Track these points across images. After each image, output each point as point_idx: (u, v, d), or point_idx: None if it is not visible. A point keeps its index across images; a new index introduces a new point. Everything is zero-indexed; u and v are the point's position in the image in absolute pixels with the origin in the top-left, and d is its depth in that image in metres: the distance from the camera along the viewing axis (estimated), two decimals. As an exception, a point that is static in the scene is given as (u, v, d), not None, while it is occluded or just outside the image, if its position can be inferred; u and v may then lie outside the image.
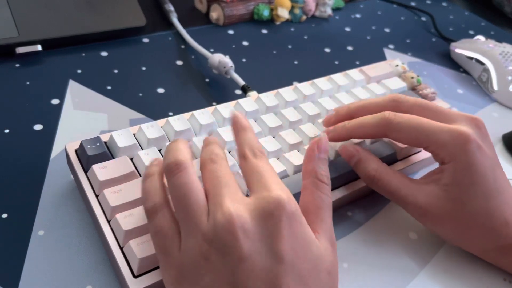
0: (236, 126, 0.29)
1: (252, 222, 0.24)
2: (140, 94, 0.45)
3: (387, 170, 0.34)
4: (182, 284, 0.24)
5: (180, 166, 0.26)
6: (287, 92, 0.41)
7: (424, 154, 0.40)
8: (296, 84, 0.42)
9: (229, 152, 0.35)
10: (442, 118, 0.33)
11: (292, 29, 0.61)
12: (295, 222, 0.24)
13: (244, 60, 0.53)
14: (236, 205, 0.24)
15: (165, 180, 0.28)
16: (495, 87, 0.54)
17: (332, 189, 0.35)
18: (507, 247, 0.32)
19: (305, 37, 0.59)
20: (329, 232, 0.27)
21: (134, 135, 0.34)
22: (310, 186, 0.28)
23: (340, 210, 0.37)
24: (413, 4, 0.74)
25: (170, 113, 0.43)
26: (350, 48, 0.59)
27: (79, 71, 0.46)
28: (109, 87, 0.45)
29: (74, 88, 0.44)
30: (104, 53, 0.49)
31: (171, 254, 0.25)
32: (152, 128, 0.35)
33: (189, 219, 0.25)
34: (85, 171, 0.32)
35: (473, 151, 0.31)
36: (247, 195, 0.26)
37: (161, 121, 0.36)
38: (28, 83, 0.43)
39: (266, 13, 0.59)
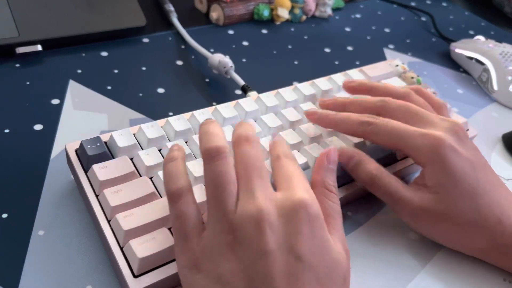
0: (274, 139, 0.31)
1: (278, 219, 0.25)
2: (140, 94, 0.45)
3: (386, 171, 0.34)
4: (200, 269, 0.25)
5: (222, 153, 0.26)
6: (287, 92, 0.41)
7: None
8: (296, 84, 0.43)
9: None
10: (423, 121, 0.34)
11: (292, 29, 0.61)
12: (316, 224, 0.25)
13: (244, 60, 0.53)
14: (266, 201, 0.25)
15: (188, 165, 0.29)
16: (495, 87, 0.54)
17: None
18: (505, 246, 0.32)
19: (305, 37, 0.59)
20: (341, 239, 0.28)
21: (134, 135, 0.34)
22: (320, 195, 0.29)
23: (340, 210, 0.37)
24: (413, 4, 0.74)
25: (170, 113, 0.43)
26: (350, 48, 0.59)
27: (79, 71, 0.46)
28: (109, 87, 0.45)
29: (74, 88, 0.44)
30: (104, 53, 0.49)
31: (191, 239, 0.25)
32: (152, 128, 0.35)
33: (220, 206, 0.25)
34: (85, 171, 0.32)
35: (446, 154, 0.31)
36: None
37: (161, 121, 0.36)
38: (28, 83, 0.43)
39: (266, 13, 0.59)
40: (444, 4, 0.77)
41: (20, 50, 0.45)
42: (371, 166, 0.34)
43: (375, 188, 0.34)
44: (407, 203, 0.33)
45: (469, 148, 0.33)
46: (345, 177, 0.35)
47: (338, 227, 0.28)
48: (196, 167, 0.32)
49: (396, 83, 0.46)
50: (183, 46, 0.53)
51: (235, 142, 0.28)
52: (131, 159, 0.33)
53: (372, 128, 0.33)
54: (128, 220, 0.28)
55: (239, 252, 0.24)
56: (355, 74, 0.45)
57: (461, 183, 0.32)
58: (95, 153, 0.32)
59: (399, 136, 0.33)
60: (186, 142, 0.35)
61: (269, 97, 0.40)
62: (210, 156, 0.26)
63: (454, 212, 0.32)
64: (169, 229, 0.29)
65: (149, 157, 0.32)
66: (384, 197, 0.34)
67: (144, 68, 0.48)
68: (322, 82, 0.43)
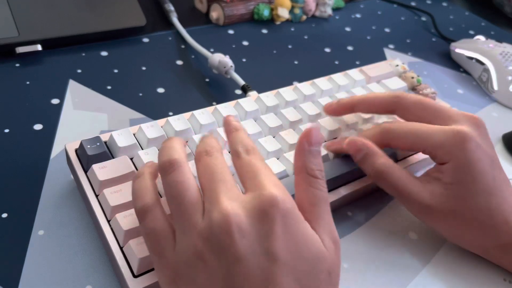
0: (229, 128, 0.29)
1: (248, 221, 0.23)
2: (140, 94, 0.45)
3: (395, 165, 0.33)
4: (178, 284, 0.24)
5: (174, 164, 0.25)
6: (287, 92, 0.41)
7: (423, 154, 0.40)
8: (296, 84, 0.42)
9: (229, 152, 0.35)
10: (442, 117, 0.33)
11: (292, 29, 0.61)
12: (290, 220, 0.24)
13: (244, 60, 0.53)
14: (233, 204, 0.23)
15: (157, 180, 0.28)
16: (495, 87, 0.54)
17: (332, 189, 0.35)
18: (508, 245, 0.32)
19: (305, 37, 0.59)
20: (328, 228, 0.26)
21: (134, 135, 0.34)
22: (302, 182, 0.27)
23: (340, 210, 0.37)
24: (413, 4, 0.74)
25: (170, 113, 0.43)
26: (350, 48, 0.59)
27: (79, 71, 0.46)
28: (109, 87, 0.45)
29: (74, 88, 0.44)
30: (104, 53, 0.49)
31: (165, 255, 0.25)
32: (152, 128, 0.35)
33: (184, 217, 0.24)
34: (85, 171, 0.32)
35: (471, 149, 0.31)
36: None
37: (161, 121, 0.36)
38: (28, 83, 0.43)
39: (266, 13, 0.59)
40: (444, 4, 0.77)
41: (20, 50, 0.45)
42: (380, 160, 0.33)
43: (382, 183, 0.33)
44: (416, 199, 0.32)
45: (489, 144, 0.33)
46: (345, 176, 0.35)
47: (324, 215, 0.26)
48: (193, 168, 0.32)
49: (396, 83, 0.46)
50: (183, 46, 0.53)
51: (196, 158, 0.27)
52: (131, 159, 0.33)
53: (392, 133, 0.33)
54: (128, 220, 0.28)
55: (212, 262, 0.23)
56: (355, 74, 0.45)
57: (479, 181, 0.31)
58: (95, 153, 0.32)
59: (421, 135, 0.32)
60: (186, 142, 0.35)
61: (269, 97, 0.40)
62: (164, 169, 0.26)
63: (464, 209, 0.32)
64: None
65: (149, 157, 0.32)
66: (392, 193, 0.34)
67: (144, 68, 0.48)
68: (322, 82, 0.43)
